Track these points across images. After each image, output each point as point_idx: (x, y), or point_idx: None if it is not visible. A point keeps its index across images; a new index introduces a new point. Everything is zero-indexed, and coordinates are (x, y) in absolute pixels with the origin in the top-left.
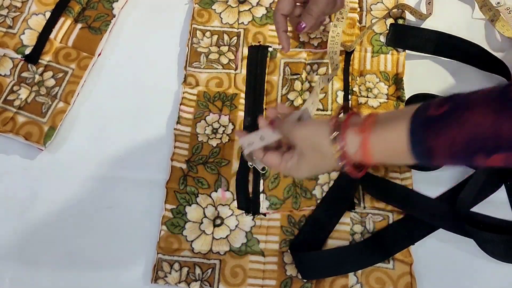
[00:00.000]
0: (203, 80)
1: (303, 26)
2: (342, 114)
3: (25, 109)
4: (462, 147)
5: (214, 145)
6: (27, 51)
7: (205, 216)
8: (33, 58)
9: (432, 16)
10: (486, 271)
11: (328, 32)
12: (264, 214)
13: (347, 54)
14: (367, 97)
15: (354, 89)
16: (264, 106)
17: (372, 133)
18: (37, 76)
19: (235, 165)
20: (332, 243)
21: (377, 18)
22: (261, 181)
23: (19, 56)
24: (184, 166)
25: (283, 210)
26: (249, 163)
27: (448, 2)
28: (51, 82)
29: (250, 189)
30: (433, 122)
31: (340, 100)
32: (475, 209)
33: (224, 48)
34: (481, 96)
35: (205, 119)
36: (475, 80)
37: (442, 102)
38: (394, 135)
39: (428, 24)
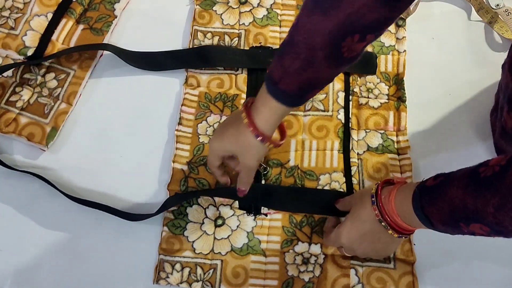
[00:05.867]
0: (204, 81)
1: (242, 190)
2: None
3: (28, 110)
4: (448, 216)
5: None
6: (29, 52)
7: (206, 217)
8: (35, 59)
9: (431, 19)
10: (488, 271)
11: None
12: (266, 215)
13: None
14: (368, 97)
15: (354, 89)
16: None
17: (396, 192)
18: (39, 78)
19: None
20: None
21: None
22: (263, 182)
23: (22, 57)
24: (185, 167)
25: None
26: None
27: (446, 5)
28: (53, 83)
29: None
30: (427, 192)
31: (341, 100)
32: None
33: None
34: (462, 172)
35: (206, 120)
36: (474, 79)
37: (439, 175)
38: (406, 195)
39: (427, 27)
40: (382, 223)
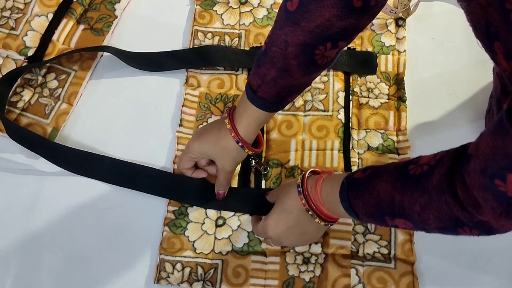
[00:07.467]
0: (204, 81)
1: (220, 193)
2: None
3: (29, 110)
4: (375, 209)
5: None
6: (30, 52)
7: (207, 217)
8: (36, 59)
9: (431, 19)
10: (488, 270)
11: None
12: None
13: None
14: (368, 97)
15: (355, 89)
16: None
17: (323, 182)
18: (40, 78)
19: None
20: (334, 242)
21: (378, 18)
22: (263, 182)
23: (22, 58)
24: None
25: None
26: (252, 164)
27: (446, 5)
28: (54, 83)
29: None
30: (355, 184)
31: (341, 100)
32: None
33: None
34: (391, 167)
35: (207, 121)
36: (474, 79)
37: (368, 167)
38: (333, 186)
39: (427, 27)
40: (309, 212)
